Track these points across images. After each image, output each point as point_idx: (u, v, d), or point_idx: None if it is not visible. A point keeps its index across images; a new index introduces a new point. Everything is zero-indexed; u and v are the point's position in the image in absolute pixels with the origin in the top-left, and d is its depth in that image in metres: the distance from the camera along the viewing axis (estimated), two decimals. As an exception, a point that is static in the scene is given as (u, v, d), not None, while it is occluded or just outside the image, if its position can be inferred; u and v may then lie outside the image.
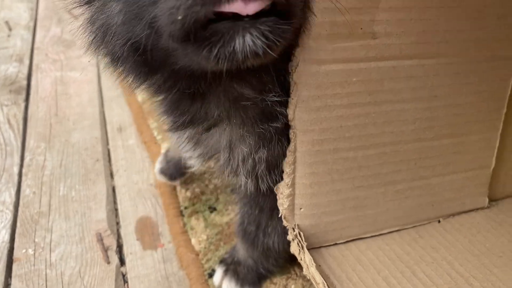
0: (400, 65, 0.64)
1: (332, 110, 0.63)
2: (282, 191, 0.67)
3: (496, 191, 0.84)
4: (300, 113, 0.61)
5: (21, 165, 1.12)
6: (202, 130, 0.64)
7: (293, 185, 0.66)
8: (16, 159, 1.13)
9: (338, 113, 0.64)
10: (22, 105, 1.35)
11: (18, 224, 0.95)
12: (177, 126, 0.66)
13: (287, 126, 0.63)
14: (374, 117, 0.66)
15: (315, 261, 0.66)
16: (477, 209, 0.82)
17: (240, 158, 0.64)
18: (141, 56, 0.51)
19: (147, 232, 0.94)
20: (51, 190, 1.04)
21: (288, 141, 0.64)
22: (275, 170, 0.66)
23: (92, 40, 0.57)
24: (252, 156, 0.63)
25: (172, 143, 0.88)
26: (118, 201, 1.02)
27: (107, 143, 1.21)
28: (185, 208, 0.98)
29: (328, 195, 0.69)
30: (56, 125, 1.27)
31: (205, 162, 0.70)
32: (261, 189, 0.67)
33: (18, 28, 1.81)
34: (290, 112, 0.61)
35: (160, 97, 0.66)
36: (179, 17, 0.39)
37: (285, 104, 0.62)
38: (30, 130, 1.25)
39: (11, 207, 0.99)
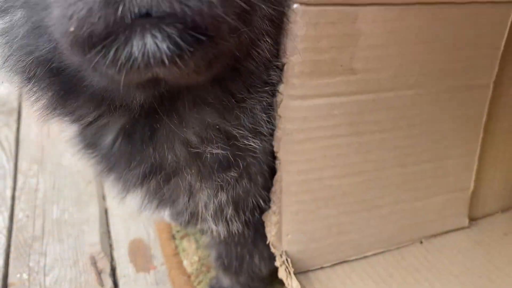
0: (379, 97, 0.66)
1: (316, 141, 0.66)
2: (270, 218, 0.69)
3: (476, 211, 0.87)
4: (285, 145, 0.64)
5: (14, 188, 1.13)
6: (163, 181, 0.58)
7: (280, 213, 0.68)
8: (9, 182, 1.15)
9: (322, 144, 0.66)
10: (14, 126, 1.36)
11: (12, 248, 0.97)
12: (142, 180, 0.57)
13: (246, 170, 0.60)
14: (356, 146, 0.69)
15: (301, 286, 0.68)
16: (458, 229, 0.85)
17: (202, 204, 0.60)
18: (55, 76, 0.45)
19: (140, 255, 0.96)
20: (44, 213, 1.06)
21: (250, 180, 0.63)
22: (241, 210, 0.63)
23: (8, 56, 0.48)
24: (212, 200, 0.59)
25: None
26: (110, 224, 1.04)
27: (99, 165, 1.22)
28: (177, 231, 1.00)
29: (314, 221, 0.71)
30: (48, 146, 1.28)
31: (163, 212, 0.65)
32: (234, 231, 0.64)
33: (9, 46, 1.82)
34: (275, 144, 0.64)
35: (100, 147, 0.58)
36: (71, 29, 0.33)
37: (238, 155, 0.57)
38: (22, 152, 1.26)
39: (5, 231, 1.00)
